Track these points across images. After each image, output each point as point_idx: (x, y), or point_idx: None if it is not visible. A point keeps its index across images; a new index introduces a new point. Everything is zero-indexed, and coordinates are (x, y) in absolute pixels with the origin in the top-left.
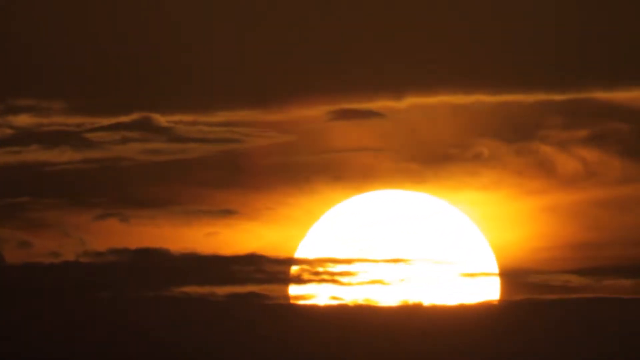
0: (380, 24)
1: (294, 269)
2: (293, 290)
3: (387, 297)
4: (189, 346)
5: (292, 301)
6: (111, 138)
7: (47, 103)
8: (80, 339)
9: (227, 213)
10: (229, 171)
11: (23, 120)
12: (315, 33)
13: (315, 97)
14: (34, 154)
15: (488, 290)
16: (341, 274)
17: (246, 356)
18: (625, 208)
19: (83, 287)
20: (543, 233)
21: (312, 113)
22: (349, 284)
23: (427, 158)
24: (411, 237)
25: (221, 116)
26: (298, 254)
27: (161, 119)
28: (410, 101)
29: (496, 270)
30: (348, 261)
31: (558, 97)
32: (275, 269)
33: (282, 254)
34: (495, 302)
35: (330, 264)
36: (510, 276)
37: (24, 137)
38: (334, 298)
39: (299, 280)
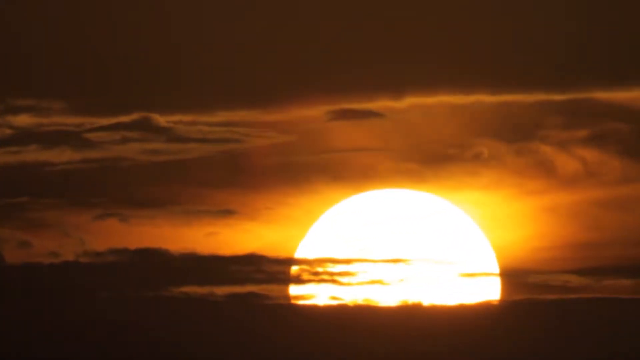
0: (380, 24)
1: (294, 269)
2: (292, 290)
3: (387, 297)
4: (189, 346)
5: (291, 301)
6: (111, 138)
7: (47, 103)
8: (79, 339)
9: (226, 213)
10: (228, 171)
11: (23, 120)
12: (314, 33)
13: (314, 97)
14: (34, 154)
15: (488, 290)
16: (341, 274)
17: (246, 356)
18: (625, 208)
19: (83, 287)
20: (543, 233)
21: (311, 113)
22: (349, 284)
23: (426, 158)
24: (411, 236)
25: (221, 116)
26: (298, 254)
27: (161, 119)
28: (410, 101)
29: (496, 270)
30: (347, 261)
31: (558, 97)
32: (275, 269)
33: (281, 254)
34: (495, 302)
35: (330, 264)
36: (510, 276)
37: (24, 137)
38: (334, 298)
39: (298, 280)
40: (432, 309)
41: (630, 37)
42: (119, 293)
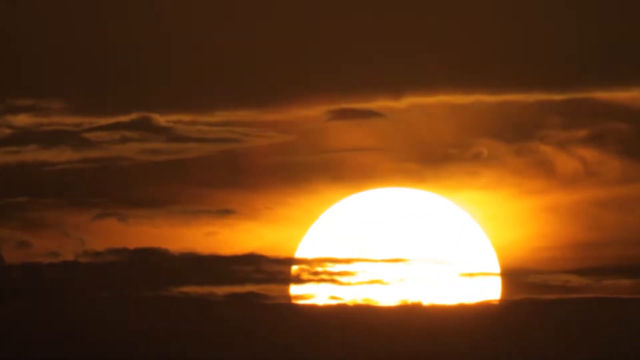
0: (379, 24)
1: (294, 268)
2: (292, 290)
3: (387, 296)
4: (189, 346)
5: (291, 301)
6: (110, 138)
7: (46, 103)
8: (79, 339)
9: (226, 213)
10: (228, 171)
11: (22, 120)
12: (314, 33)
13: (314, 97)
14: (33, 154)
15: (488, 290)
16: (340, 273)
17: (246, 356)
18: (625, 208)
19: (82, 287)
20: (543, 233)
21: (311, 113)
22: (348, 284)
23: (426, 158)
24: (410, 236)
25: (220, 116)
26: (297, 254)
27: (160, 119)
28: (409, 101)
29: (497, 270)
30: (347, 261)
31: (557, 97)
32: (275, 269)
33: (281, 253)
34: (495, 302)
35: (330, 264)
36: (510, 276)
37: (23, 137)
38: (333, 298)
39: (298, 280)
40: (431, 308)
41: (630, 37)
42: (118, 293)
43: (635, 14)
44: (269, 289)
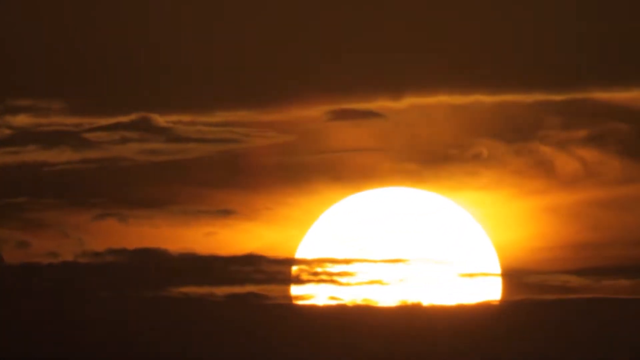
0: (379, 24)
1: (293, 269)
2: (292, 290)
3: (386, 297)
4: (189, 346)
5: (291, 301)
6: (110, 138)
7: (46, 103)
8: (78, 339)
9: (226, 213)
10: (227, 171)
11: (21, 120)
12: (314, 33)
13: (314, 97)
14: (33, 154)
15: (488, 290)
16: (340, 274)
17: (246, 356)
18: (625, 208)
19: (82, 287)
20: (543, 233)
21: (311, 113)
22: (348, 284)
23: (426, 158)
24: (410, 236)
25: (220, 116)
26: (297, 254)
27: (160, 119)
28: (409, 101)
29: (497, 270)
30: (347, 261)
31: (557, 97)
32: (274, 269)
33: (281, 254)
34: (495, 302)
35: (329, 264)
36: (510, 276)
37: (23, 137)
38: (333, 298)
39: (297, 280)
40: (431, 309)
41: (630, 37)
42: (117, 293)
43: (635, 14)
44: (269, 290)
